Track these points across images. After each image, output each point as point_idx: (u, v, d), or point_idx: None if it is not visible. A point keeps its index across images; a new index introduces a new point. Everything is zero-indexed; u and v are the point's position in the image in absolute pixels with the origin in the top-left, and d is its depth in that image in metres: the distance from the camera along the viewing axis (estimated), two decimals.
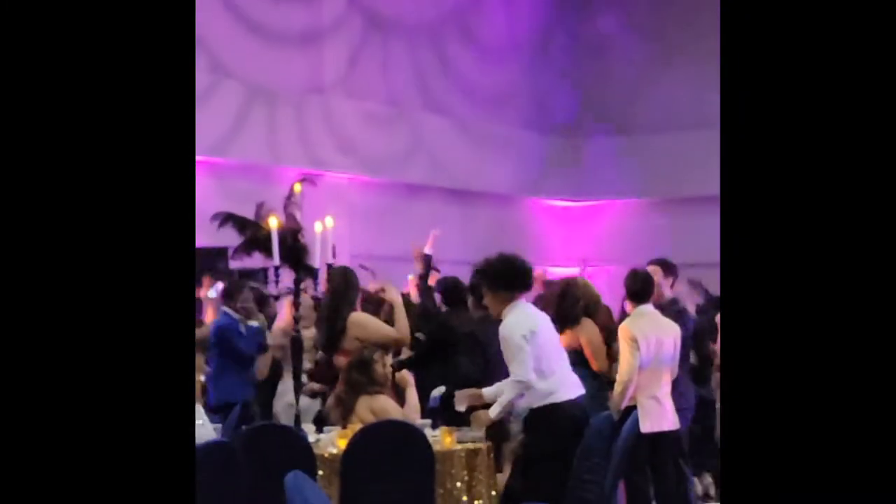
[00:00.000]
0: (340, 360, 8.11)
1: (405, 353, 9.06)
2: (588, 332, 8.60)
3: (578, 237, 19.27)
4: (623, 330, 8.58)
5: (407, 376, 8.39)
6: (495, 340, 7.62)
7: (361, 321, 8.25)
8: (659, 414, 8.76)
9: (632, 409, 8.52)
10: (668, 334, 8.89)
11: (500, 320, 7.68)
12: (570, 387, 7.56)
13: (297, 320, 9.00)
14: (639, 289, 8.78)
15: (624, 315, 9.09)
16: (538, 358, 7.42)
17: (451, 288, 9.25)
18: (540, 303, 9.16)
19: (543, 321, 7.73)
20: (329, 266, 9.61)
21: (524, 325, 7.40)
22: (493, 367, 7.91)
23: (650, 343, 8.72)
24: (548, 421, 7.34)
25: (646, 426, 8.46)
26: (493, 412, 7.20)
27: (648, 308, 8.84)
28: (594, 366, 8.54)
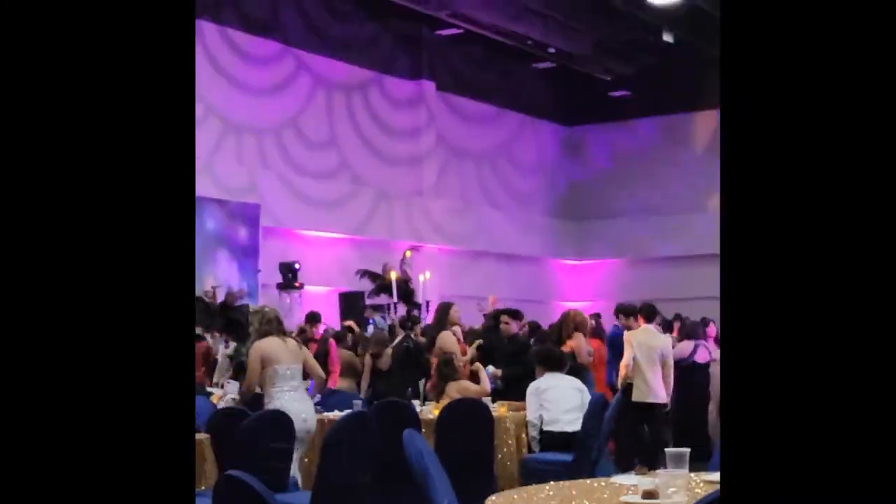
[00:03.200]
0: (432, 361, 9.61)
1: (470, 353, 10.19)
2: (578, 341, 9.84)
3: (581, 283, 23.39)
4: (626, 336, 9.99)
5: (481, 367, 9.38)
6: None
7: (444, 338, 9.98)
8: (646, 391, 9.87)
9: (626, 388, 9.87)
10: (657, 344, 10.11)
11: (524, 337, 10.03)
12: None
13: (407, 336, 11.17)
14: (645, 314, 10.27)
15: (627, 328, 10.34)
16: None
17: (513, 315, 10.68)
18: (548, 328, 11.45)
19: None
20: (428, 302, 13.73)
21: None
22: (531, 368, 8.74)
23: (642, 347, 9.92)
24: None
25: (636, 396, 9.78)
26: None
27: (648, 326, 10.20)
28: (580, 359, 9.70)
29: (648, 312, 10.23)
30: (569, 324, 9.82)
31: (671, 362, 10.13)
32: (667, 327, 12.32)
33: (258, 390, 7.35)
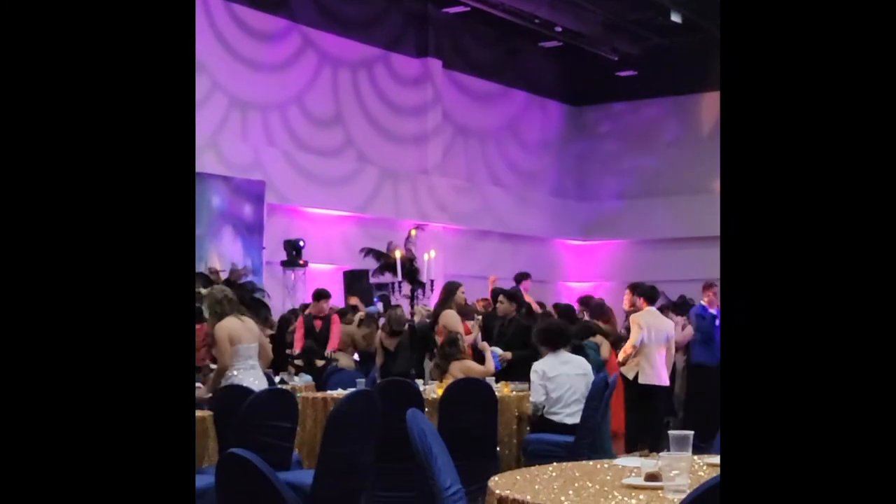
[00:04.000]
0: (437, 338, 9.81)
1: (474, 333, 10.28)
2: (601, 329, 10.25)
3: (586, 264, 23.50)
4: (632, 318, 10.09)
5: (487, 347, 9.55)
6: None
7: (448, 316, 9.92)
8: (652, 374, 9.96)
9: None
10: (664, 327, 10.22)
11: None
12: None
13: (412, 315, 11.19)
14: (648, 296, 10.33)
15: (634, 310, 10.32)
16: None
17: (510, 297, 10.61)
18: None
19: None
20: (432, 281, 12.80)
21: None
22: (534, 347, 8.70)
23: (650, 329, 9.99)
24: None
25: (642, 379, 9.88)
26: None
27: (652, 308, 10.32)
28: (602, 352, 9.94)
29: (650, 295, 10.23)
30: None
31: (674, 345, 10.23)
32: (679, 310, 12.31)
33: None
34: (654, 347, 9.88)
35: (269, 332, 11.93)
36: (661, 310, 10.87)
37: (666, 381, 10.03)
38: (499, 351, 9.58)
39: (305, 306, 12.79)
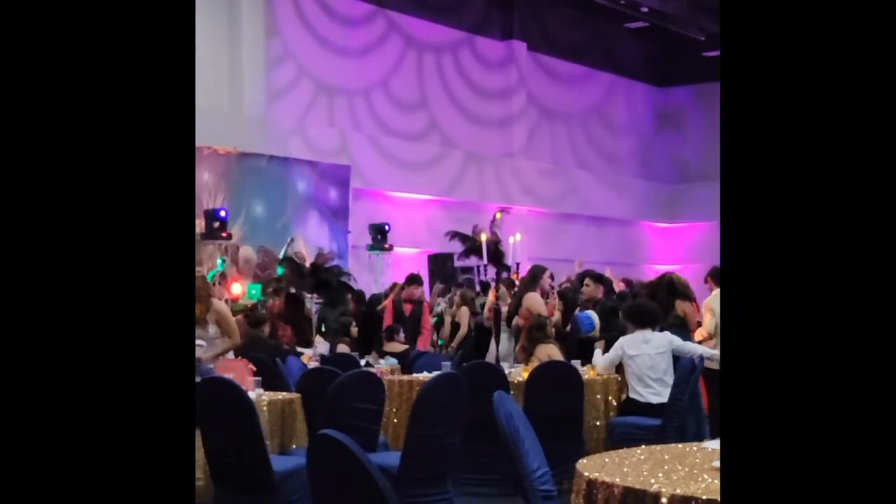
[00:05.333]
0: (520, 321, 9.53)
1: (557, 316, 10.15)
2: (684, 305, 9.35)
3: (672, 246, 23.37)
4: (705, 303, 9.53)
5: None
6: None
7: (531, 299, 9.67)
8: None
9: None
10: None
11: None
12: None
13: (498, 299, 10.74)
14: (717, 278, 9.69)
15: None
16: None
17: (597, 279, 10.60)
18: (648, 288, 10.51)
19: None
20: (518, 264, 12.54)
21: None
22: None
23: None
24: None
25: (715, 364, 8.89)
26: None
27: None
28: (690, 326, 9.33)
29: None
30: (678, 288, 9.48)
31: None
32: None
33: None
34: None
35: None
36: None
37: None
38: (595, 318, 9.63)
39: (394, 286, 12.80)
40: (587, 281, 10.43)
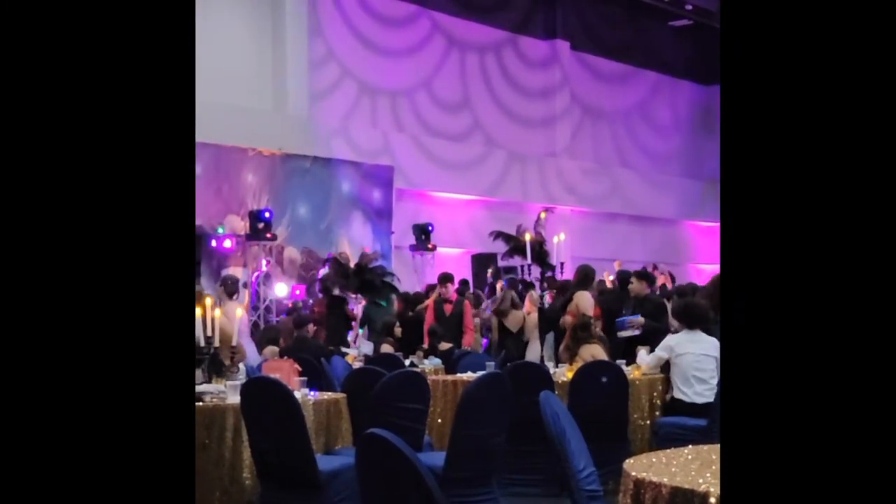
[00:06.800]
0: (567, 320, 9.58)
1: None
2: None
3: (716, 246, 23.09)
4: None
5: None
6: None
7: (582, 297, 9.83)
8: None
9: None
10: None
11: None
12: None
13: (541, 298, 11.28)
14: None
15: None
16: None
17: (641, 276, 10.52)
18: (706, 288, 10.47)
19: None
20: (562, 264, 13.07)
21: None
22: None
23: None
24: None
25: None
26: None
27: None
28: None
29: None
30: None
31: None
32: None
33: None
34: None
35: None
36: None
37: None
38: (640, 318, 9.58)
39: (431, 287, 12.80)
40: (632, 279, 10.43)
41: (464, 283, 13.84)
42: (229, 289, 9.44)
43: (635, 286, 10.31)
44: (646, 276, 10.73)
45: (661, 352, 8.05)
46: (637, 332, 9.49)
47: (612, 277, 11.81)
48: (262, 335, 10.53)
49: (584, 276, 10.13)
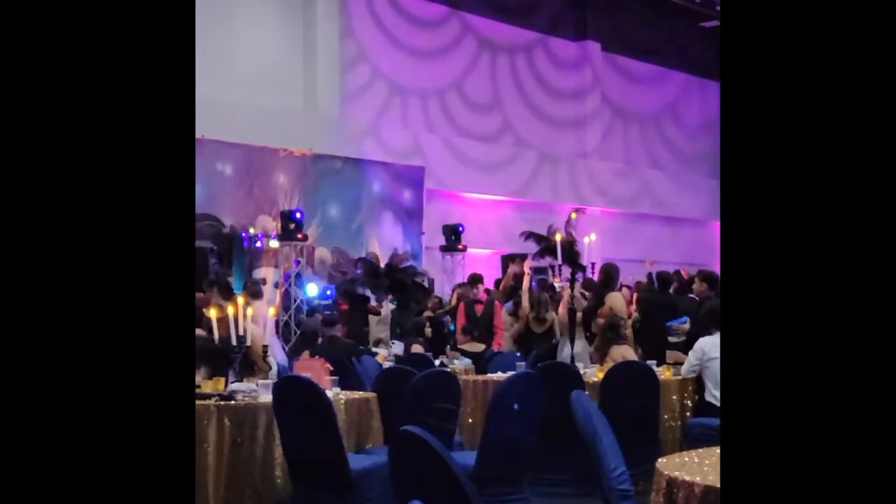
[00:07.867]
0: (599, 322, 9.60)
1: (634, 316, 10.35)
2: None
3: None
4: None
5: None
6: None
7: (614, 298, 9.96)
8: None
9: None
10: None
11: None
12: None
13: (572, 299, 10.05)
14: None
15: None
16: None
17: (704, 277, 10.31)
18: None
19: None
20: (593, 264, 12.02)
21: None
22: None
23: None
24: None
25: None
26: None
27: None
28: None
29: None
30: None
31: None
32: None
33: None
34: None
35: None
36: None
37: None
38: (686, 325, 9.52)
39: (461, 285, 12.76)
40: (696, 280, 10.39)
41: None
42: (251, 290, 9.60)
43: (698, 286, 10.23)
44: (710, 277, 10.57)
45: (692, 356, 8.04)
46: (682, 339, 9.38)
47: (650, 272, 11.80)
48: (299, 339, 10.53)
49: (609, 278, 10.14)
